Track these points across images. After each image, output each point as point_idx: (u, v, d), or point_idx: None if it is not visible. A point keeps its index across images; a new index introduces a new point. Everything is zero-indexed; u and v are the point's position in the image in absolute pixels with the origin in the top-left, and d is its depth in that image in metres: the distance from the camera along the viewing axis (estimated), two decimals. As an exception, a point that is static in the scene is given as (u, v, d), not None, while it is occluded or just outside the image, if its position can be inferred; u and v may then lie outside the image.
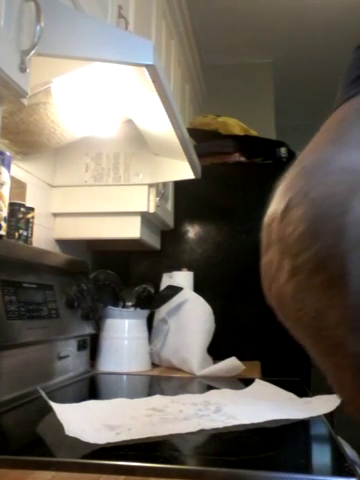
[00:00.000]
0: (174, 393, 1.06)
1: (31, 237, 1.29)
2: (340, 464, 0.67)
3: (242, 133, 2.26)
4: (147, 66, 0.96)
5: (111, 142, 1.58)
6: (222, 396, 1.06)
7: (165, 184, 1.75)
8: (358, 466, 0.76)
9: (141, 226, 1.61)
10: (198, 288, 1.78)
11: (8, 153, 1.08)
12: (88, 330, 1.40)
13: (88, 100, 1.22)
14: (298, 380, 1.28)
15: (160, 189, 1.67)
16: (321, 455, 0.77)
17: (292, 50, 3.25)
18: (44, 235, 1.57)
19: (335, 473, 0.64)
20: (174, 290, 1.63)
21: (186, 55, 2.71)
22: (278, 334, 1.92)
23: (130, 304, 1.59)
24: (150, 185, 1.59)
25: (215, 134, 2.23)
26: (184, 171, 1.57)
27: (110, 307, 1.53)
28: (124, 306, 1.58)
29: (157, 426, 0.79)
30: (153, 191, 1.60)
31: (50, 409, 0.84)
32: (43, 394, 0.92)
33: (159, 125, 1.31)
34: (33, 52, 0.76)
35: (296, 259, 0.30)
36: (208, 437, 0.79)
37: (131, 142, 1.58)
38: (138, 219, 1.61)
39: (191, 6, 2.58)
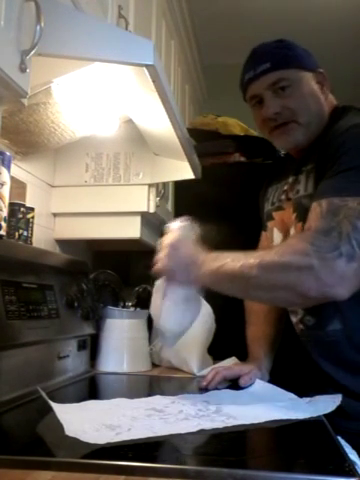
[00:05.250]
0: (174, 393, 1.06)
1: (31, 237, 1.29)
2: (340, 464, 0.67)
3: (242, 133, 2.26)
4: (147, 66, 0.96)
5: (111, 142, 1.58)
6: (222, 396, 1.06)
7: (165, 184, 1.74)
8: (358, 466, 0.76)
9: (141, 226, 1.61)
10: (198, 288, 1.78)
11: (8, 153, 1.07)
12: (88, 330, 1.40)
13: (88, 100, 1.22)
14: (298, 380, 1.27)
15: (160, 189, 1.67)
16: (321, 455, 0.77)
17: (292, 50, 3.24)
18: (44, 235, 1.56)
19: (335, 473, 0.64)
20: (174, 290, 1.63)
21: (186, 55, 2.71)
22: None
23: (130, 304, 1.59)
24: (150, 185, 1.59)
25: (215, 134, 2.23)
26: (184, 171, 1.57)
27: (110, 307, 1.53)
28: (124, 306, 1.58)
29: (157, 426, 0.79)
30: (153, 191, 1.60)
31: (50, 409, 0.84)
32: (43, 394, 0.92)
33: (159, 125, 1.31)
34: (33, 52, 0.77)
35: None
36: (208, 437, 0.79)
37: (131, 142, 1.58)
38: (138, 219, 1.61)
39: (191, 6, 2.59)
